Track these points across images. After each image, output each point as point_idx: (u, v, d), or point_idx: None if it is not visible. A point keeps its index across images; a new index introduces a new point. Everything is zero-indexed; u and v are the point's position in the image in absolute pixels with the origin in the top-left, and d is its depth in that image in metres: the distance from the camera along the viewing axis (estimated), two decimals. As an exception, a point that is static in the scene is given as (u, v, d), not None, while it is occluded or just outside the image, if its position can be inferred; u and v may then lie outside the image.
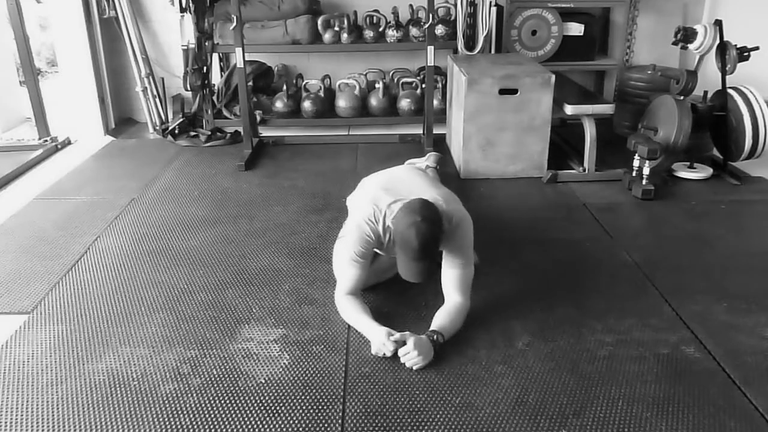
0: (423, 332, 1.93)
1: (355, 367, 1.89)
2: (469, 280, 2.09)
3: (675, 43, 3.41)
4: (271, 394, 1.77)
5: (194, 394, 1.77)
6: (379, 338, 1.91)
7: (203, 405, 1.73)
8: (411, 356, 1.85)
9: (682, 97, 3.24)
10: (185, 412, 1.70)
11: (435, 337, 1.91)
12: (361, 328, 2.01)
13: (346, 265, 2.09)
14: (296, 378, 1.84)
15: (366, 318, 2.02)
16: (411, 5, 4.25)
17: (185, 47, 4.16)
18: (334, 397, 1.77)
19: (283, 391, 1.79)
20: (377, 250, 2.15)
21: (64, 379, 1.84)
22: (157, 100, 4.50)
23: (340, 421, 1.68)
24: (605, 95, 4.63)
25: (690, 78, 3.20)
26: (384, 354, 1.90)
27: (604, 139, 3.43)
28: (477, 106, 3.31)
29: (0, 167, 3.62)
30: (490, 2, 4.00)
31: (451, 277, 2.07)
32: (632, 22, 4.43)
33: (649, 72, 3.87)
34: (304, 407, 1.73)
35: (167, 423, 1.67)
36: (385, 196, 2.07)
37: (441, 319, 1.99)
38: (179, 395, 1.77)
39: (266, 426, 1.66)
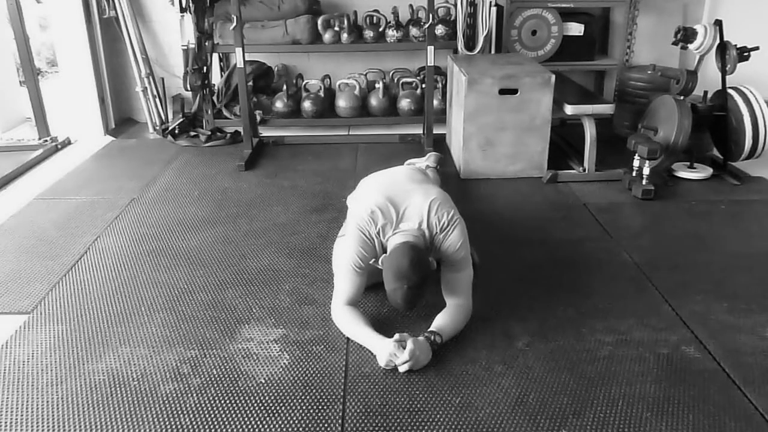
0: (422, 333, 1.93)
1: (355, 367, 1.89)
2: (468, 281, 2.09)
3: (675, 43, 3.41)
4: (271, 394, 1.77)
5: (194, 394, 1.77)
6: (387, 349, 1.87)
7: (203, 405, 1.73)
8: (409, 363, 1.84)
9: (682, 97, 3.24)
10: (185, 412, 1.71)
11: (433, 338, 1.91)
12: (364, 340, 1.96)
13: (345, 271, 2.05)
14: (296, 378, 1.84)
15: (368, 330, 1.97)
16: (411, 5, 4.25)
17: (185, 47, 4.16)
18: (334, 397, 1.76)
19: (283, 391, 1.79)
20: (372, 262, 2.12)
21: (64, 379, 1.84)
22: (157, 100, 4.50)
23: (340, 421, 1.68)
24: (605, 95, 4.63)
25: (690, 78, 3.20)
26: (394, 365, 1.86)
27: (604, 139, 3.43)
28: (477, 106, 3.31)
29: (0, 167, 3.62)
30: (490, 2, 4.00)
31: (451, 281, 2.08)
32: (632, 22, 4.43)
33: (649, 72, 3.87)
34: (304, 407, 1.73)
35: (167, 423, 1.67)
36: (379, 213, 2.03)
37: (441, 320, 1.99)
38: (179, 395, 1.77)
39: (266, 426, 1.66)
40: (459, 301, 2.05)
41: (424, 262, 1.92)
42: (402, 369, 1.84)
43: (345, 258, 2.05)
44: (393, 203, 2.06)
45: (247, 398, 1.76)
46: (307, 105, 4.33)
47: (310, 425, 1.66)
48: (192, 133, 4.20)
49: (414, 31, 4.22)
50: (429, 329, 1.95)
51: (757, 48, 3.22)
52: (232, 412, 1.71)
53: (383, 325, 2.04)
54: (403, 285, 1.86)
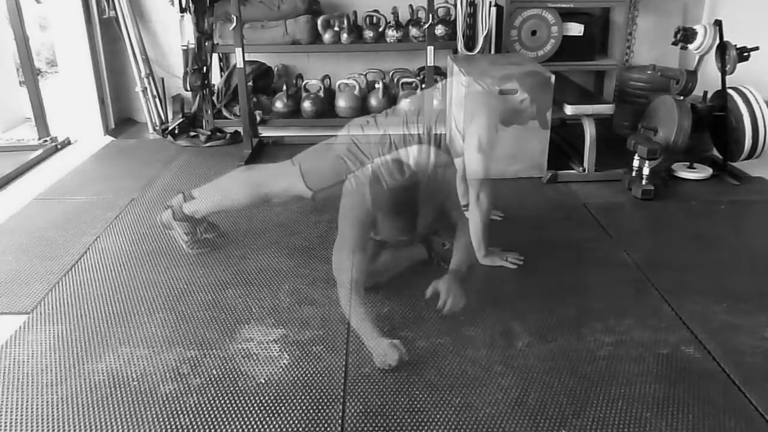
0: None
1: (355, 367, 1.89)
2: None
3: (675, 43, 3.41)
4: (271, 394, 1.77)
5: (194, 394, 1.77)
6: (382, 348, 1.87)
7: (203, 405, 1.73)
8: (449, 300, 2.00)
9: (682, 97, 3.24)
10: (185, 412, 1.71)
11: (457, 274, 2.08)
12: (363, 332, 1.96)
13: (357, 207, 2.16)
14: (296, 378, 1.84)
15: (368, 324, 1.96)
16: (411, 5, 4.25)
17: (185, 47, 4.16)
18: (334, 397, 1.77)
19: (283, 391, 1.79)
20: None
21: (64, 379, 1.84)
22: (157, 100, 4.50)
23: (340, 421, 1.68)
24: (605, 95, 4.62)
25: (690, 78, 3.20)
26: (389, 365, 1.86)
27: (604, 139, 3.43)
28: (477, 106, 3.30)
29: (0, 167, 3.62)
30: (490, 2, 4.00)
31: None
32: (632, 22, 4.43)
33: (649, 72, 3.87)
34: (304, 407, 1.73)
35: (167, 423, 1.67)
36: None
37: (456, 256, 2.16)
38: (179, 395, 1.77)
39: (266, 426, 1.66)
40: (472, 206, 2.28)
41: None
42: (445, 311, 2.00)
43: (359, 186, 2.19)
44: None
45: (247, 398, 1.76)
46: (306, 105, 4.33)
47: (310, 425, 1.66)
48: (192, 134, 4.20)
49: (414, 31, 4.22)
50: (450, 269, 2.12)
51: (757, 48, 3.22)
52: (232, 412, 1.71)
53: (384, 325, 2.04)
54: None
